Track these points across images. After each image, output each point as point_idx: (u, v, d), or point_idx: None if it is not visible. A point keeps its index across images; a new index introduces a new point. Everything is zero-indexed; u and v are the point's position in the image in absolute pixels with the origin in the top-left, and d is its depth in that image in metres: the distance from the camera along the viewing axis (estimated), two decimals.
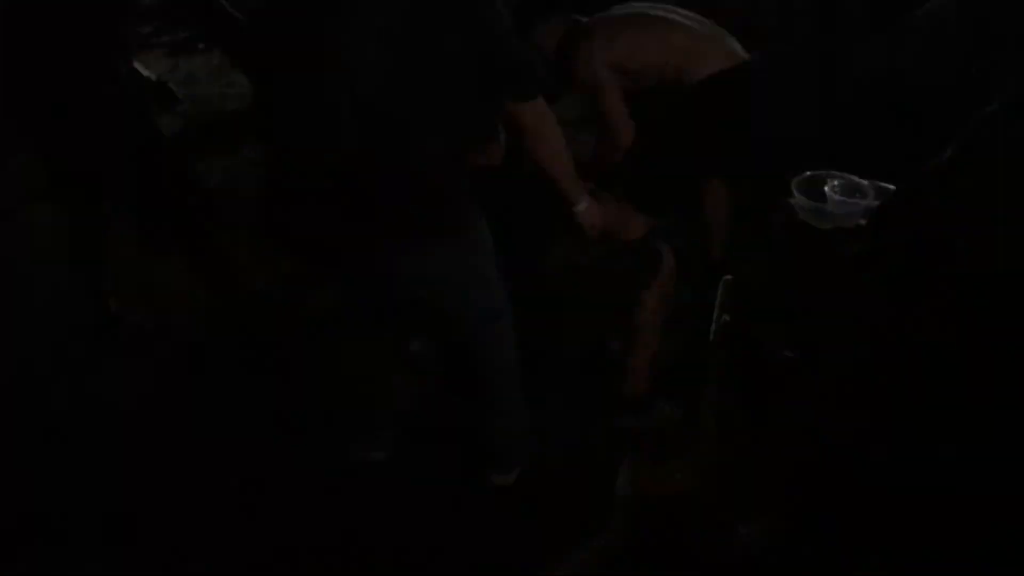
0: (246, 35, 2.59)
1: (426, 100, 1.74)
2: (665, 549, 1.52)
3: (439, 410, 2.83)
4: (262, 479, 2.66)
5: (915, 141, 1.88)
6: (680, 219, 3.05)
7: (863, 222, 1.76)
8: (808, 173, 1.85)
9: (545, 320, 2.93)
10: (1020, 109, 1.28)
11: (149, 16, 5.30)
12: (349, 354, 2.66)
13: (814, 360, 1.54)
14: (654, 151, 2.66)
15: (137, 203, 2.92)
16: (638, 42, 2.70)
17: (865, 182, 1.82)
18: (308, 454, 2.70)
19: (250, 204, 3.58)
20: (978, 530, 1.25)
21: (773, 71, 2.63)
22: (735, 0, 4.07)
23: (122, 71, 2.70)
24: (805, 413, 1.50)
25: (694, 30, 2.74)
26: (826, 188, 1.84)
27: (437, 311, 2.19)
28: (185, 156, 3.47)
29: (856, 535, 1.37)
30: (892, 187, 1.78)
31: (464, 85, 1.79)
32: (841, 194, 1.82)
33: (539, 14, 2.75)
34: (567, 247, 3.03)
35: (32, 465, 2.73)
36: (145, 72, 4.42)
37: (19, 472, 2.69)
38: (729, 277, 1.94)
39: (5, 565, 2.39)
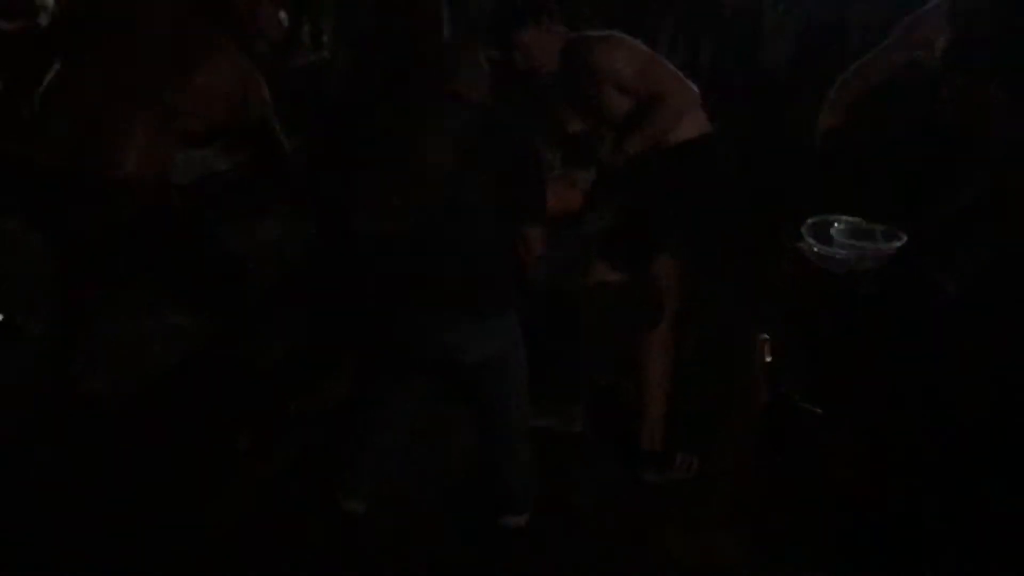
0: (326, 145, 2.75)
1: (484, 196, 2.13)
2: None
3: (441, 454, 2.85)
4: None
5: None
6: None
7: (872, 265, 1.79)
8: (814, 219, 1.88)
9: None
10: None
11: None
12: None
13: (842, 415, 1.56)
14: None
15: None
16: (660, 73, 2.72)
17: (875, 226, 1.84)
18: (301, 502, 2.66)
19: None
20: None
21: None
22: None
23: None
24: (832, 466, 1.52)
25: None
26: (832, 231, 1.87)
27: (473, 372, 2.31)
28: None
29: None
30: (899, 230, 1.81)
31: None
32: (848, 237, 1.85)
33: (528, 15, 2.81)
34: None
35: None
36: None
37: None
38: (765, 336, 1.97)
39: None
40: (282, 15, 2.59)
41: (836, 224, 1.87)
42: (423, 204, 2.11)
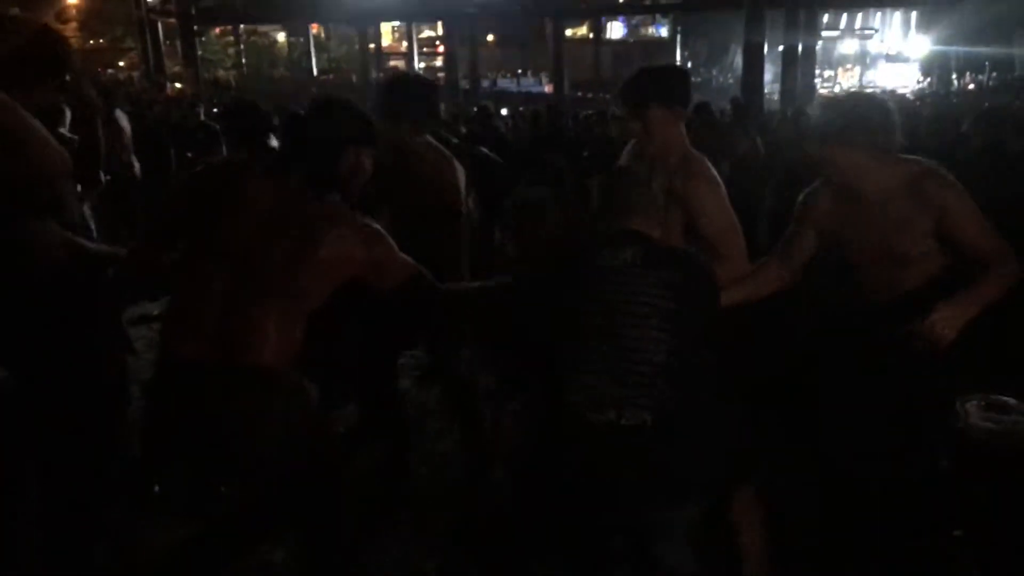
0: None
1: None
2: None
3: None
4: None
5: None
6: None
7: None
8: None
9: None
10: None
11: None
12: None
13: None
14: None
15: None
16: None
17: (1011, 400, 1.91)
18: None
19: None
20: None
21: None
22: None
23: None
24: None
25: None
26: (969, 407, 1.94)
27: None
28: None
29: None
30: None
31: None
32: (987, 411, 1.91)
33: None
34: None
35: None
36: None
37: None
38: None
39: None
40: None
41: (971, 400, 1.93)
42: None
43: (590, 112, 10.12)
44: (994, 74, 29.32)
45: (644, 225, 2.25)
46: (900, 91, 27.95)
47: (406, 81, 3.47)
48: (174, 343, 2.21)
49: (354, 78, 36.15)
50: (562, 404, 2.14)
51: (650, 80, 2.90)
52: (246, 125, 4.35)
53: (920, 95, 26.15)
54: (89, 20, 37.66)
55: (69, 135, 2.99)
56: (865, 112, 2.52)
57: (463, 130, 8.51)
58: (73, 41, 32.75)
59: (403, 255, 2.35)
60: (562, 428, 2.18)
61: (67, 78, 2.77)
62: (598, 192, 2.35)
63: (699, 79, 33.93)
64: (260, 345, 2.12)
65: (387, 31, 44.21)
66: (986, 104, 10.66)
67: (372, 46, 39.57)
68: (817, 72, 29.45)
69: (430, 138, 3.34)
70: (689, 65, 40.97)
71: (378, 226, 2.31)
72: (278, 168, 2.27)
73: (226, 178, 2.28)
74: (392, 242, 2.34)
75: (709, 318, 2.15)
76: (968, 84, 30.06)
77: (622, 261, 2.12)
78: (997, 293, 2.39)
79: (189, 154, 7.26)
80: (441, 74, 40.09)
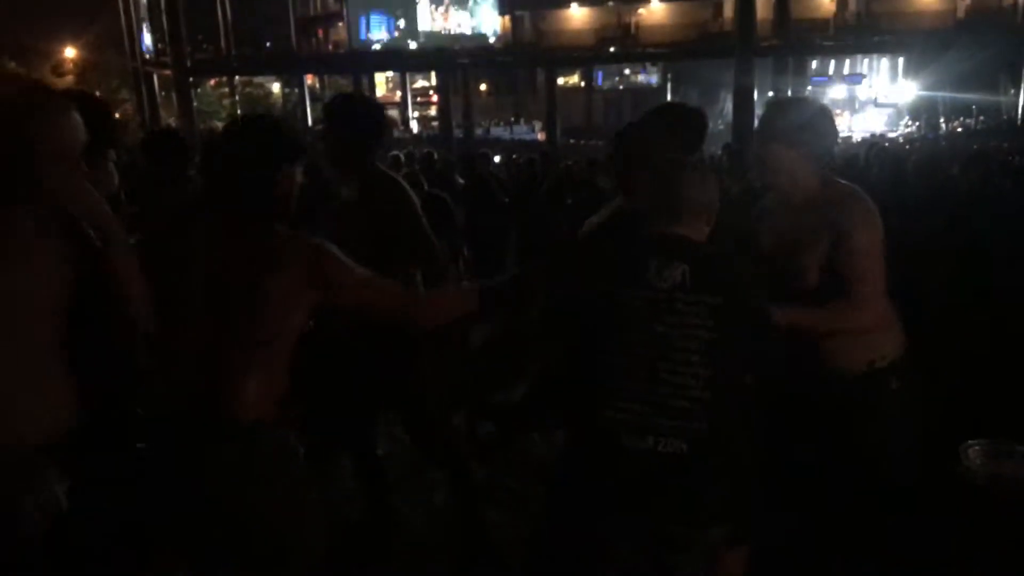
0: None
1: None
2: None
3: None
4: None
5: None
6: None
7: None
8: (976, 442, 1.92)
9: None
10: None
11: None
12: None
13: None
14: None
15: None
16: None
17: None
18: None
19: None
20: None
21: None
22: None
23: None
24: None
25: None
26: (970, 452, 1.92)
27: None
28: None
29: None
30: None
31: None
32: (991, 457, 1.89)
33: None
34: None
35: None
36: None
37: None
38: None
39: None
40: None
41: (974, 447, 1.92)
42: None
43: (570, 162, 10.11)
44: (981, 118, 29.73)
45: (692, 227, 2.21)
46: (890, 135, 28.29)
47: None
48: (155, 406, 2.16)
49: None
50: (595, 421, 2.16)
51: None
52: (167, 154, 4.28)
53: (909, 139, 26.46)
54: (85, 72, 38.09)
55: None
56: (810, 115, 2.52)
57: (460, 180, 8.56)
58: None
59: (363, 270, 2.20)
60: (593, 446, 2.19)
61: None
62: (650, 186, 2.29)
63: None
64: (238, 399, 2.04)
65: (381, 81, 44.74)
66: (975, 147, 10.76)
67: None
68: None
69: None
70: None
71: (326, 242, 2.18)
72: (214, 209, 2.15)
73: (173, 236, 2.19)
74: (343, 256, 2.18)
75: (753, 341, 2.14)
76: (956, 127, 30.44)
77: (670, 284, 2.10)
78: (823, 326, 2.42)
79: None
80: (435, 123, 40.59)
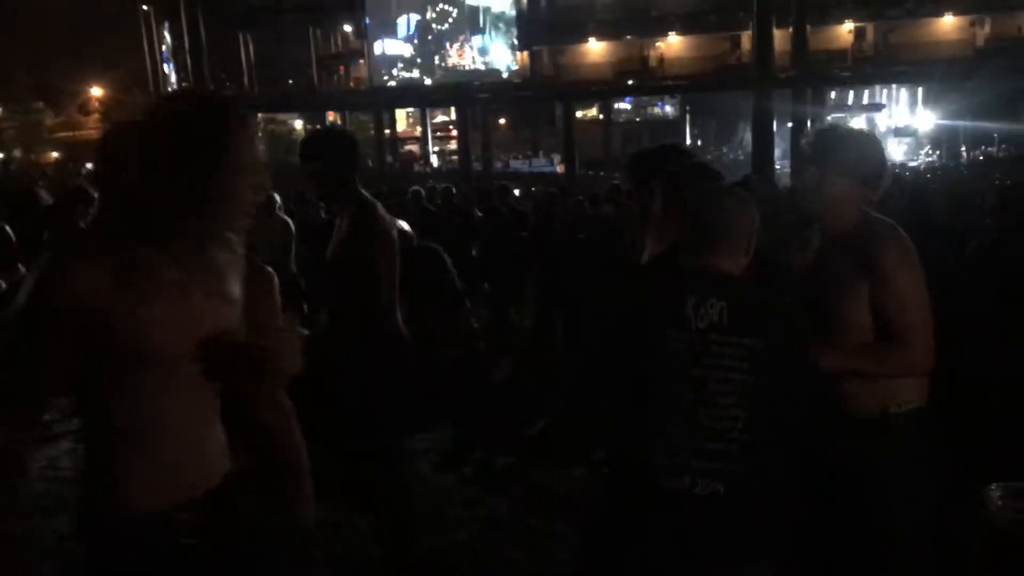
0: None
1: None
2: None
3: None
4: None
5: None
6: None
7: None
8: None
9: None
10: None
11: None
12: None
13: None
14: None
15: None
16: None
17: None
18: None
19: None
20: None
21: None
22: None
23: None
24: None
25: None
26: (992, 494, 1.87)
27: None
28: None
29: None
30: None
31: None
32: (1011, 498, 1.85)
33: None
34: None
35: None
36: None
37: None
38: None
39: None
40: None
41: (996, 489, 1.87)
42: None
43: (580, 198, 10.02)
44: (1003, 146, 29.56)
45: (730, 261, 2.13)
46: (910, 164, 28.17)
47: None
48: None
49: (370, 163, 36.82)
50: (637, 462, 2.14)
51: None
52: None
53: (931, 167, 26.33)
54: (111, 111, 38.76)
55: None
56: (862, 144, 2.39)
57: (479, 213, 8.56)
58: (95, 132, 33.50)
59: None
60: (634, 487, 2.16)
61: None
62: (690, 219, 2.19)
63: (709, 156, 34.40)
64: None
65: (401, 117, 45.24)
66: (996, 176, 10.64)
67: (387, 131, 40.41)
68: None
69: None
70: (699, 143, 41.59)
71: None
72: None
73: None
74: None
75: (794, 386, 2.10)
76: (978, 156, 30.28)
77: (707, 323, 2.06)
78: (871, 369, 2.28)
79: None
80: (454, 156, 40.88)
